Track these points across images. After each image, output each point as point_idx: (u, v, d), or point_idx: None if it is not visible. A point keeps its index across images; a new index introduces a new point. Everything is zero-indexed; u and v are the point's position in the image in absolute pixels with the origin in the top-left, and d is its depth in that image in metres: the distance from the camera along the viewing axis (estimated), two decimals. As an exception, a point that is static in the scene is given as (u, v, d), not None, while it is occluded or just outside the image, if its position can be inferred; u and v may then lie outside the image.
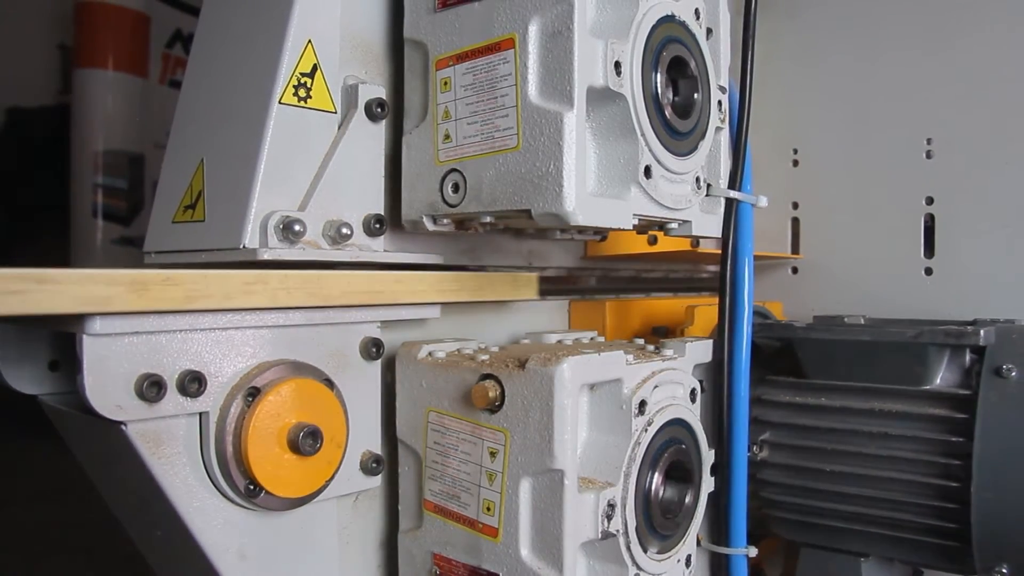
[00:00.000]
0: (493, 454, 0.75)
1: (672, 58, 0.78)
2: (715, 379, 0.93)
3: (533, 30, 0.71)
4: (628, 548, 0.77)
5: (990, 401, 0.88)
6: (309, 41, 0.76)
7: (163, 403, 0.65)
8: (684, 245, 1.10)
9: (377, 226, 0.80)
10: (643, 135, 0.74)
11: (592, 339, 0.99)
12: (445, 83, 0.77)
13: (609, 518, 0.74)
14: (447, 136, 0.76)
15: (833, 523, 1.00)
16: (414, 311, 0.83)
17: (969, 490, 0.87)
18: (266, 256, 0.72)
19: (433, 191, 0.78)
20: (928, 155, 1.24)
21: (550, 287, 1.24)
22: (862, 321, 1.07)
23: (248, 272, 0.67)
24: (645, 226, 0.83)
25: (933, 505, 0.92)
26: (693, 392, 0.87)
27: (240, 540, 0.71)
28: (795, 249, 1.37)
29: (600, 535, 0.74)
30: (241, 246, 0.72)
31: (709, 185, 0.87)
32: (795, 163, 1.37)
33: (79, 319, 0.60)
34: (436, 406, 0.79)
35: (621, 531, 0.76)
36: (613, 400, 0.77)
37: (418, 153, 0.79)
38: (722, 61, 0.88)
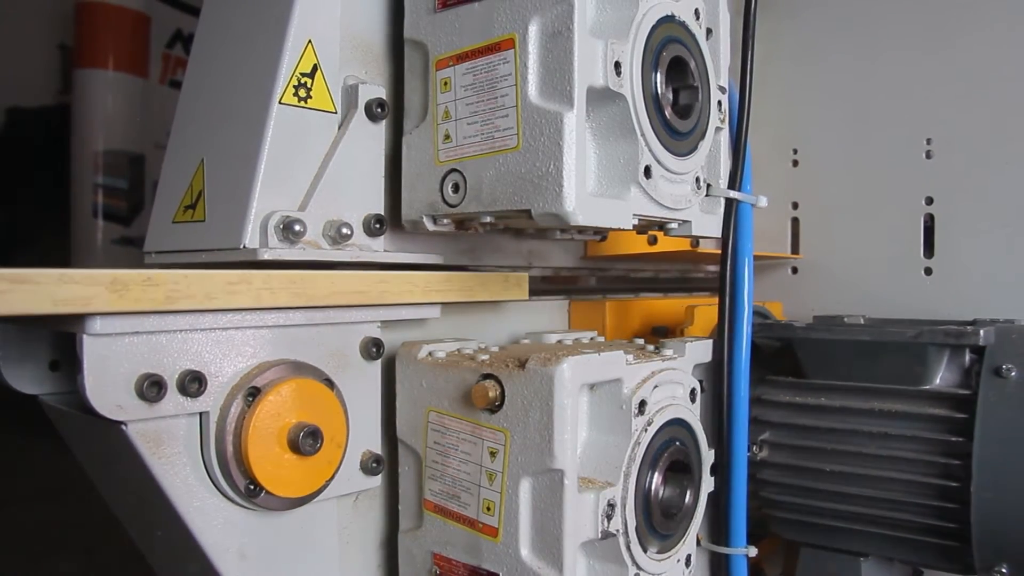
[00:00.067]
0: (493, 454, 0.75)
1: (672, 58, 0.78)
2: (715, 379, 0.93)
3: (533, 30, 0.71)
4: (628, 548, 0.77)
5: (990, 401, 0.88)
6: (309, 41, 0.76)
7: (163, 403, 0.65)
8: (684, 245, 1.10)
9: (377, 226, 0.81)
10: (643, 135, 0.74)
11: (592, 339, 0.99)
12: (445, 83, 0.77)
13: (609, 518, 0.74)
14: (447, 136, 0.77)
15: (833, 523, 1.00)
16: (414, 311, 0.83)
17: (969, 490, 0.87)
18: (266, 256, 0.72)
19: (433, 191, 0.78)
20: (928, 155, 1.24)
21: (549, 287, 1.25)
22: (862, 321, 1.07)
23: (231, 272, 0.66)
24: (645, 226, 0.83)
25: (933, 505, 0.92)
26: (693, 392, 0.87)
27: (240, 540, 0.71)
28: (795, 249, 1.37)
29: (600, 535, 0.74)
30: (241, 246, 0.72)
31: (709, 185, 0.87)
32: (795, 163, 1.37)
33: (79, 319, 0.60)
34: (436, 406, 0.79)
35: (621, 531, 0.76)
36: (613, 400, 0.77)
37: (418, 153, 0.79)
38: (722, 61, 0.88)
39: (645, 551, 0.79)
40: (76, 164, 3.36)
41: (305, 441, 0.70)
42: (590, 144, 0.74)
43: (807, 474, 1.00)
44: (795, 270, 1.37)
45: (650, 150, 0.75)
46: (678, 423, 0.83)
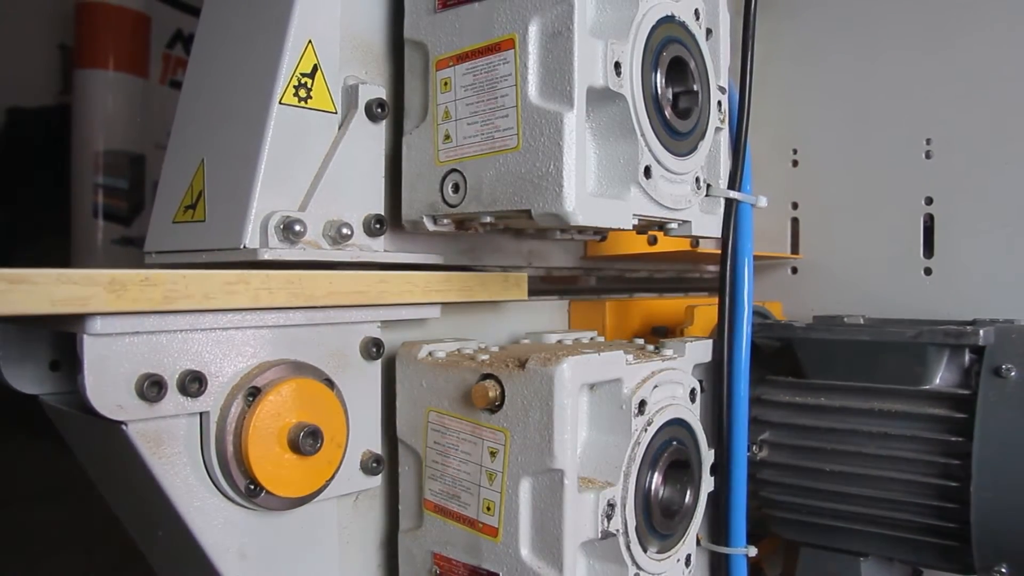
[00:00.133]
0: (493, 454, 0.75)
1: (672, 58, 0.78)
2: (715, 379, 0.93)
3: (533, 30, 0.71)
4: (628, 548, 0.77)
5: (989, 401, 0.88)
6: (309, 41, 0.76)
7: (163, 403, 0.65)
8: (684, 245, 1.10)
9: (377, 226, 0.81)
10: (643, 135, 0.74)
11: (592, 339, 0.99)
12: (445, 83, 0.77)
13: (609, 518, 0.74)
14: (447, 136, 0.77)
15: (833, 523, 1.00)
16: (414, 311, 0.83)
17: (968, 490, 0.87)
18: (266, 256, 0.72)
19: (433, 191, 0.78)
20: (927, 155, 1.24)
21: (549, 287, 1.25)
22: (861, 321, 1.07)
23: (229, 272, 0.66)
24: (645, 226, 0.84)
25: (932, 505, 0.92)
26: (693, 392, 0.87)
27: (240, 540, 0.71)
28: (795, 249, 1.37)
29: (600, 535, 0.74)
30: (241, 246, 0.72)
31: (709, 185, 0.87)
32: (795, 163, 1.37)
33: (80, 319, 0.60)
34: (436, 406, 0.79)
35: (621, 531, 0.76)
36: (613, 400, 0.78)
37: (418, 153, 0.79)
38: (722, 61, 0.88)
39: (645, 551, 0.79)
40: (76, 164, 3.36)
41: (305, 441, 0.70)
42: (590, 144, 0.74)
43: (807, 474, 1.00)
44: (795, 270, 1.38)
45: (650, 150, 0.75)
46: (678, 423, 0.84)
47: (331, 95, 0.79)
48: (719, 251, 0.93)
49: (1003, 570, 0.87)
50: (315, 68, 0.77)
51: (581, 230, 0.83)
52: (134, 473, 0.67)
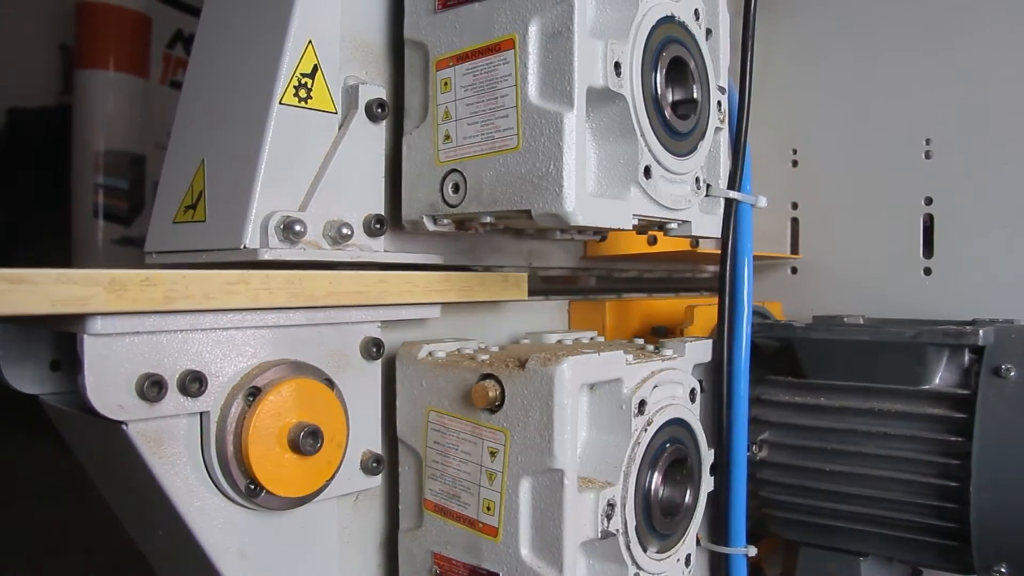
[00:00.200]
0: (493, 454, 0.75)
1: (672, 59, 0.78)
2: (715, 379, 0.93)
3: (533, 31, 0.71)
4: (628, 547, 0.77)
5: (989, 401, 0.88)
6: (310, 42, 0.76)
7: (164, 403, 0.65)
8: (684, 245, 1.10)
9: (377, 226, 0.81)
10: (643, 135, 0.74)
11: (592, 339, 0.99)
12: (445, 84, 0.77)
13: (609, 517, 0.74)
14: (447, 136, 0.77)
15: (832, 522, 1.00)
16: (414, 311, 0.83)
17: (968, 489, 0.87)
18: (267, 256, 0.72)
19: (433, 191, 0.78)
20: (927, 155, 1.24)
21: (549, 287, 1.25)
22: (861, 321, 1.07)
23: (229, 272, 0.66)
24: (645, 226, 0.84)
25: (932, 504, 0.92)
26: (693, 392, 0.87)
27: (241, 540, 0.71)
28: (794, 249, 1.37)
29: (600, 534, 0.74)
30: (242, 246, 0.72)
31: (709, 185, 0.87)
32: (794, 163, 1.37)
33: (80, 319, 0.60)
34: (436, 406, 0.79)
35: (621, 530, 0.76)
36: (613, 400, 0.78)
37: (418, 153, 0.79)
38: (722, 61, 0.88)
39: (645, 551, 0.79)
40: (77, 164, 3.37)
41: (305, 441, 0.70)
42: (590, 144, 0.74)
43: (807, 474, 1.00)
44: (795, 270, 1.38)
45: (650, 150, 0.75)
46: (678, 423, 0.84)
47: (331, 95, 0.79)
48: (719, 251, 0.93)
49: (1003, 570, 0.87)
50: (315, 68, 0.77)
51: (581, 230, 0.83)
52: (134, 473, 0.67)
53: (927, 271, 1.24)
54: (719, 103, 0.86)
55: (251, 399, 0.69)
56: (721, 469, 0.92)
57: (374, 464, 0.81)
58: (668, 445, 0.82)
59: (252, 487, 0.70)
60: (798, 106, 1.36)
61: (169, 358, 0.66)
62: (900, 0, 1.27)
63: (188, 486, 0.68)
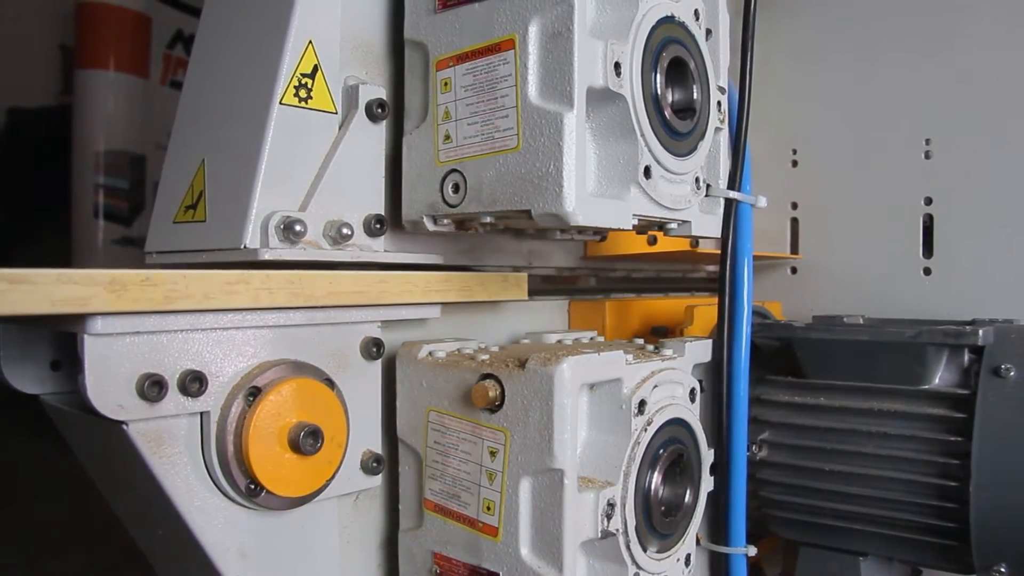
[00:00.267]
0: (493, 453, 0.75)
1: (672, 59, 0.78)
2: (714, 379, 0.93)
3: (533, 31, 0.71)
4: (628, 547, 0.77)
5: (989, 400, 0.88)
6: (310, 42, 0.77)
7: (164, 403, 0.65)
8: (683, 245, 1.10)
9: (378, 226, 0.81)
10: (643, 136, 0.74)
11: (592, 339, 0.99)
12: (445, 84, 0.77)
13: (609, 517, 0.74)
14: (447, 136, 0.77)
15: (832, 522, 1.00)
16: (414, 311, 0.83)
17: (968, 489, 0.87)
18: (267, 256, 0.72)
19: (433, 191, 0.78)
20: (927, 155, 1.24)
21: (549, 287, 1.25)
22: (861, 321, 1.07)
23: (229, 272, 0.67)
24: (645, 226, 0.84)
25: (932, 504, 0.92)
26: (692, 392, 0.87)
27: (241, 539, 0.71)
28: (794, 249, 1.37)
29: (600, 534, 0.74)
30: (242, 246, 0.72)
31: (708, 185, 0.87)
32: (794, 163, 1.37)
33: (80, 319, 0.60)
34: (436, 406, 0.80)
35: (621, 530, 0.76)
36: (613, 400, 0.78)
37: (418, 153, 0.80)
38: (722, 61, 0.88)
39: (645, 550, 0.79)
40: (77, 164, 3.37)
41: (306, 441, 0.70)
42: (590, 144, 0.74)
43: (806, 473, 1.00)
44: (794, 270, 1.38)
45: (650, 150, 0.75)
46: (678, 423, 0.84)
47: (331, 95, 0.79)
48: (719, 251, 0.93)
49: (1002, 569, 0.87)
50: (315, 68, 0.77)
51: (581, 230, 0.83)
52: (135, 473, 0.67)
53: (927, 271, 1.24)
54: (719, 103, 0.86)
55: (251, 399, 0.69)
56: (721, 469, 0.92)
57: (374, 464, 0.81)
58: (668, 445, 0.82)
59: (252, 487, 0.70)
60: (798, 106, 1.36)
61: (169, 358, 0.66)
62: (900, 0, 1.27)
63: (188, 486, 0.68)
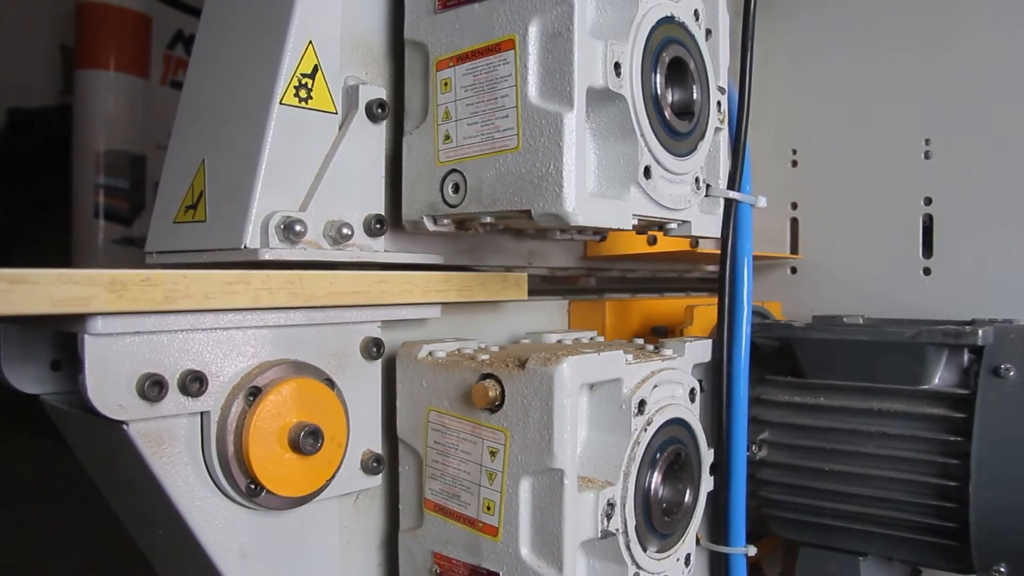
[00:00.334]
0: (493, 453, 0.75)
1: (672, 59, 0.78)
2: (714, 379, 0.93)
3: (533, 31, 0.71)
4: (628, 547, 0.77)
5: (988, 400, 0.88)
6: (310, 42, 0.77)
7: (164, 403, 0.65)
8: (683, 245, 1.10)
9: (378, 226, 0.81)
10: (643, 136, 0.74)
11: (592, 339, 0.99)
12: (445, 84, 0.77)
13: (609, 517, 0.74)
14: (447, 137, 0.77)
15: (832, 522, 1.00)
16: (414, 311, 0.83)
17: (967, 489, 0.87)
18: (267, 256, 0.72)
19: (433, 191, 0.78)
20: (927, 155, 1.24)
21: (549, 287, 1.25)
22: (861, 321, 1.07)
23: (229, 272, 0.67)
24: (644, 226, 0.84)
25: (932, 504, 0.92)
26: (692, 392, 0.87)
27: (241, 539, 0.71)
28: (794, 249, 1.38)
29: (600, 534, 0.74)
30: (242, 246, 0.72)
31: (708, 185, 0.87)
32: (794, 163, 1.37)
33: (81, 319, 0.60)
34: (436, 405, 0.80)
35: (621, 530, 0.76)
36: (613, 400, 0.78)
37: (418, 153, 0.80)
38: (721, 62, 0.88)
39: (645, 550, 0.79)
40: (77, 164, 3.37)
41: (306, 441, 0.71)
42: (590, 144, 0.74)
43: (806, 473, 1.00)
44: (794, 270, 1.38)
45: (650, 150, 0.75)
46: (677, 423, 0.84)
47: (331, 95, 0.79)
48: (719, 251, 0.93)
49: (1002, 569, 0.88)
50: (315, 68, 0.77)
51: (581, 230, 0.83)
52: (135, 473, 0.67)
53: (926, 271, 1.24)
54: (719, 103, 0.86)
55: (251, 399, 0.70)
56: (721, 469, 0.92)
57: (374, 464, 0.81)
58: (668, 445, 0.82)
59: (252, 487, 0.70)
60: (798, 106, 1.36)
61: (170, 358, 0.66)
62: (900, 0, 1.27)
63: (188, 486, 0.68)
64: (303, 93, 0.76)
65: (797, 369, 1.04)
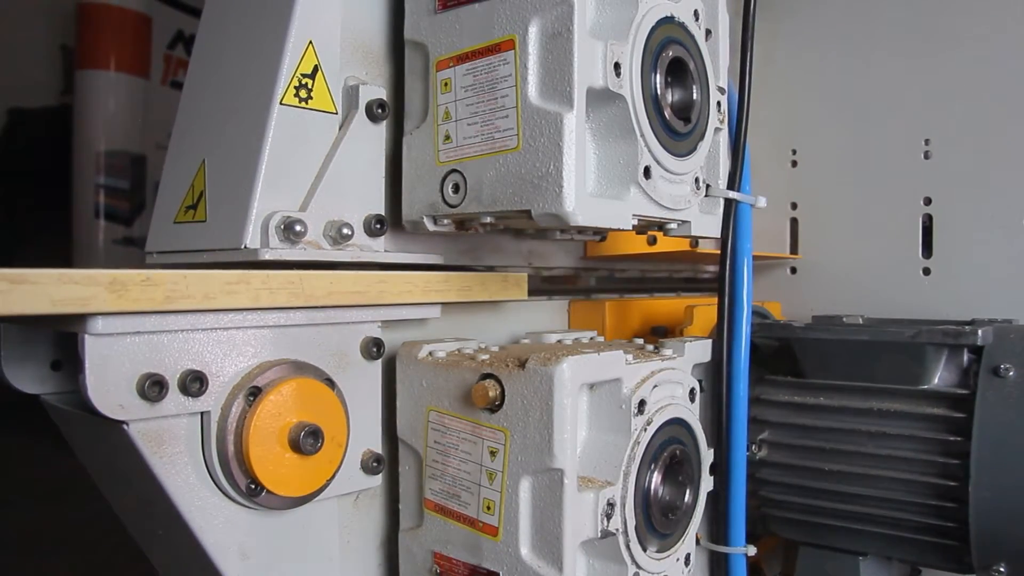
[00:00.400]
0: (493, 453, 0.75)
1: (671, 59, 0.78)
2: (714, 379, 0.93)
3: (533, 31, 0.71)
4: (627, 547, 0.77)
5: (988, 400, 0.89)
6: (310, 42, 0.77)
7: (165, 402, 0.65)
8: (683, 245, 1.10)
9: (378, 226, 0.81)
10: (642, 136, 0.74)
11: (592, 339, 0.99)
12: (445, 84, 0.77)
13: (608, 517, 0.74)
14: (447, 137, 0.77)
15: (831, 522, 1.00)
16: (414, 311, 0.83)
17: (967, 489, 0.88)
18: (267, 256, 0.72)
19: (434, 191, 0.78)
20: (926, 155, 1.24)
21: (549, 287, 1.25)
22: (860, 321, 1.07)
23: (230, 272, 0.67)
24: (644, 226, 0.84)
25: (931, 504, 0.92)
26: (692, 391, 0.87)
27: (241, 539, 0.72)
28: (794, 249, 1.38)
29: (600, 534, 0.74)
30: (242, 246, 0.72)
31: (708, 186, 0.87)
32: (794, 163, 1.37)
33: (81, 319, 0.60)
34: (436, 405, 0.80)
35: (620, 530, 0.76)
36: (613, 399, 0.78)
37: (419, 154, 0.80)
38: (721, 62, 0.88)
39: (645, 550, 0.79)
40: (78, 164, 3.38)
41: (306, 440, 0.71)
42: (590, 144, 0.74)
43: (806, 473, 1.00)
44: (794, 270, 1.38)
45: (649, 151, 0.75)
46: (677, 422, 0.84)
47: (332, 96, 0.79)
48: (718, 251, 0.94)
49: (1001, 569, 0.88)
50: (316, 69, 0.77)
51: (581, 230, 0.83)
52: (135, 473, 0.67)
53: (926, 271, 1.24)
54: (719, 103, 0.86)
55: (252, 399, 0.70)
56: (721, 469, 0.92)
57: (374, 464, 0.81)
58: (668, 445, 0.82)
59: (253, 487, 0.70)
60: (798, 106, 1.36)
61: (170, 358, 0.66)
62: (900, 0, 1.27)
63: (189, 486, 0.68)
64: (303, 93, 0.76)
65: (797, 369, 1.04)
